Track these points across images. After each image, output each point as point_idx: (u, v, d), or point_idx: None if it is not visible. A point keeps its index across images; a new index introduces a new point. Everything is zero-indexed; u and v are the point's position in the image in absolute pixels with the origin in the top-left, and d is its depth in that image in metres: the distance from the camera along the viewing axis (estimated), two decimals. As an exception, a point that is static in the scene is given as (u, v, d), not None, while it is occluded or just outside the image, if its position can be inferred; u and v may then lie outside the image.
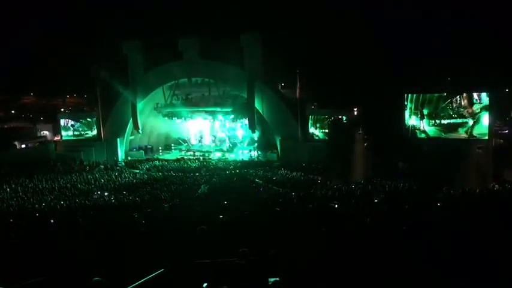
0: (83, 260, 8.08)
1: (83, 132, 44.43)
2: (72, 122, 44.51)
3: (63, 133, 44.84)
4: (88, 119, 44.47)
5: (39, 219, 18.06)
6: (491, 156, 26.76)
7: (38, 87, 65.16)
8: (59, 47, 52.48)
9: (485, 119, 26.77)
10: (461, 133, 27.75)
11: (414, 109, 29.36)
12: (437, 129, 28.73)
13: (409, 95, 29.29)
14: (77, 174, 33.75)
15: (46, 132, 51.37)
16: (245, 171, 34.19)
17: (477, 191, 19.72)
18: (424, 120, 29.02)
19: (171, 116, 43.84)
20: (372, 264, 6.55)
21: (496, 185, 24.59)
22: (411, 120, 29.50)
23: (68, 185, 29.52)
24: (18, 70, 57.35)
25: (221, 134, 46.27)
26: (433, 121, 28.70)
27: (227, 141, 45.53)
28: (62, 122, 44.70)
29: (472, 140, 27.08)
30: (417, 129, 29.39)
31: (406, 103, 29.41)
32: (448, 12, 40.64)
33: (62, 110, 60.50)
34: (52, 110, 57.46)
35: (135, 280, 6.28)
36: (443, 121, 28.43)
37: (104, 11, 54.56)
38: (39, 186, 29.03)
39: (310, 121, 37.70)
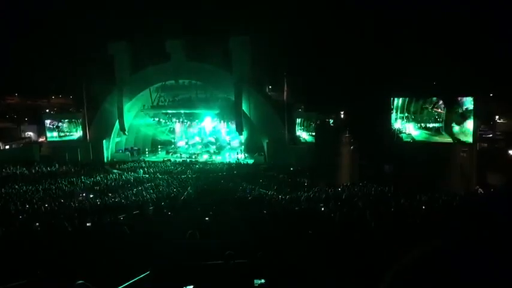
0: (66, 262, 7.97)
1: (68, 133, 44.03)
2: (57, 123, 44.08)
3: (48, 134, 44.40)
4: (73, 120, 44.09)
5: (22, 222, 17.76)
6: (475, 159, 27.11)
7: (22, 88, 64.11)
8: (44, 47, 51.84)
9: (469, 123, 27.13)
10: (446, 137, 28.09)
11: (400, 112, 29.67)
12: (422, 133, 29.07)
13: (396, 98, 29.61)
14: (62, 175, 33.36)
15: (30, 133, 50.75)
16: (232, 173, 34.12)
17: (462, 194, 19.96)
18: (410, 123, 29.37)
19: (157, 117, 43.66)
20: (357, 267, 6.60)
21: (480, 189, 24.90)
22: (397, 123, 29.80)
23: (52, 186, 29.14)
24: (2, 70, 56.42)
25: (208, 137, 46.20)
26: (419, 124, 29.06)
27: (214, 143, 45.48)
28: (47, 122, 44.25)
29: (456, 143, 27.41)
30: (403, 133, 29.70)
31: (392, 107, 29.72)
32: (434, 15, 41.03)
33: (47, 110, 59.67)
34: (37, 111, 56.67)
35: (120, 283, 6.22)
36: (428, 124, 28.79)
37: (91, 11, 53.98)
38: (23, 188, 28.59)
39: (297, 124, 37.93)
